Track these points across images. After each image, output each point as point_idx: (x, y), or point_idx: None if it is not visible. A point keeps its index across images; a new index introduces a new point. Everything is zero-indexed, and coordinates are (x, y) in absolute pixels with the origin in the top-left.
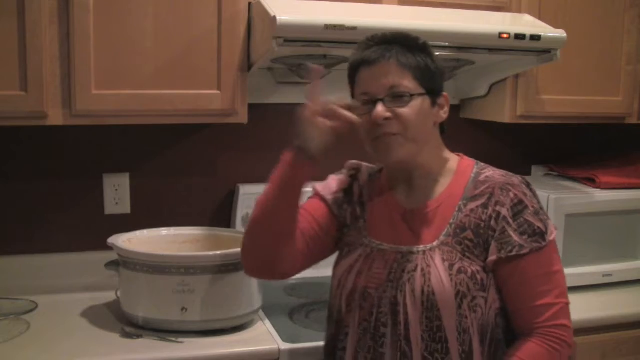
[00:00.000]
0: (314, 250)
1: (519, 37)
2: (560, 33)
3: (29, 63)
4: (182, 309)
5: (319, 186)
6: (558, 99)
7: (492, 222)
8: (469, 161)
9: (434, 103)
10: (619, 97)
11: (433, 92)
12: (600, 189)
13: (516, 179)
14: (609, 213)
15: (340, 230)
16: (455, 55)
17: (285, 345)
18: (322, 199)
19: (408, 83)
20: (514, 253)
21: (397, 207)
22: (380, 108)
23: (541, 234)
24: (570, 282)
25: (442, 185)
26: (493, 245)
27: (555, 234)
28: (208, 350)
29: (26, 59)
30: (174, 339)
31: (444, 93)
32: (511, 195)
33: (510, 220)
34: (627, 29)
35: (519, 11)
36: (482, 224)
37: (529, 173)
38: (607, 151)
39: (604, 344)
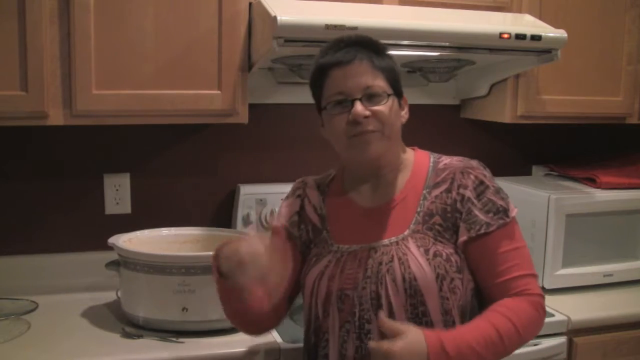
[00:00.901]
0: (295, 288)
1: (520, 37)
2: (561, 33)
3: (29, 63)
4: (183, 309)
5: (274, 220)
6: (558, 99)
7: (458, 205)
8: (423, 153)
9: (399, 104)
10: (620, 97)
11: (398, 94)
12: (601, 189)
13: (474, 162)
14: (610, 213)
15: (305, 250)
16: (456, 55)
17: (285, 345)
18: (283, 229)
19: (381, 83)
20: (482, 231)
21: (357, 208)
22: (359, 106)
23: (504, 211)
24: (570, 282)
25: (404, 178)
26: (462, 227)
27: (516, 211)
28: (208, 350)
29: (26, 59)
30: (174, 339)
31: (404, 96)
32: (472, 177)
33: (475, 201)
34: (628, 29)
35: (519, 11)
36: (448, 208)
37: (529, 173)
38: (607, 151)
39: (605, 344)
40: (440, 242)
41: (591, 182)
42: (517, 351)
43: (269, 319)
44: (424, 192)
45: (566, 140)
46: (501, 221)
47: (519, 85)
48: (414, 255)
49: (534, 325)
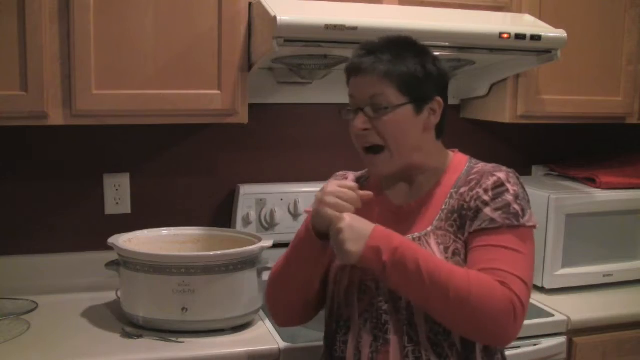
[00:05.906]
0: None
1: (520, 37)
2: (561, 33)
3: (29, 63)
4: (182, 309)
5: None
6: (558, 99)
7: (472, 203)
8: (462, 157)
9: (420, 110)
10: (620, 97)
11: (420, 99)
12: (601, 189)
13: (505, 168)
14: (609, 213)
15: None
16: (456, 55)
17: (285, 345)
18: None
19: (390, 94)
20: (483, 226)
21: (390, 205)
22: (359, 119)
23: (516, 215)
24: (570, 282)
25: (436, 180)
26: (467, 224)
27: (534, 223)
28: (208, 350)
29: (26, 59)
30: (174, 339)
31: (437, 98)
32: (494, 178)
33: (487, 199)
34: (628, 29)
35: (519, 11)
36: (465, 205)
37: (529, 173)
38: (607, 151)
39: (605, 344)
40: (460, 239)
41: (591, 182)
42: (517, 351)
43: (313, 307)
44: (452, 191)
45: (566, 140)
46: (508, 222)
47: (519, 85)
48: (434, 252)
49: (490, 303)
